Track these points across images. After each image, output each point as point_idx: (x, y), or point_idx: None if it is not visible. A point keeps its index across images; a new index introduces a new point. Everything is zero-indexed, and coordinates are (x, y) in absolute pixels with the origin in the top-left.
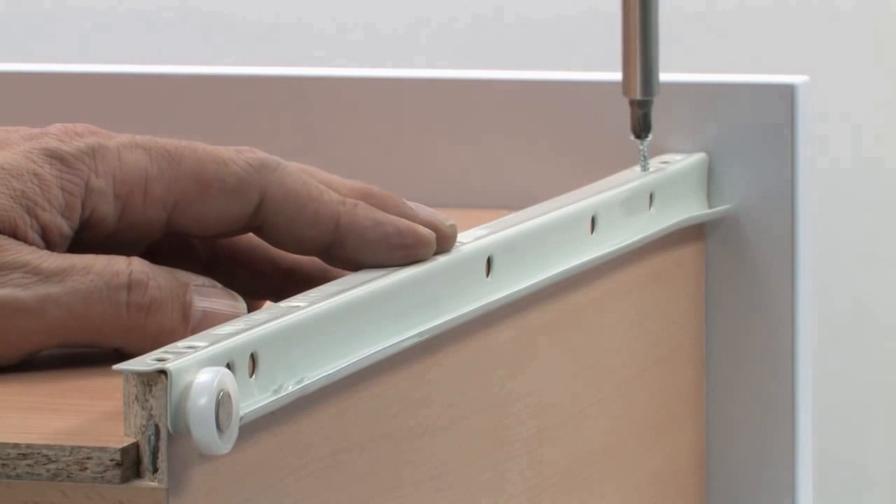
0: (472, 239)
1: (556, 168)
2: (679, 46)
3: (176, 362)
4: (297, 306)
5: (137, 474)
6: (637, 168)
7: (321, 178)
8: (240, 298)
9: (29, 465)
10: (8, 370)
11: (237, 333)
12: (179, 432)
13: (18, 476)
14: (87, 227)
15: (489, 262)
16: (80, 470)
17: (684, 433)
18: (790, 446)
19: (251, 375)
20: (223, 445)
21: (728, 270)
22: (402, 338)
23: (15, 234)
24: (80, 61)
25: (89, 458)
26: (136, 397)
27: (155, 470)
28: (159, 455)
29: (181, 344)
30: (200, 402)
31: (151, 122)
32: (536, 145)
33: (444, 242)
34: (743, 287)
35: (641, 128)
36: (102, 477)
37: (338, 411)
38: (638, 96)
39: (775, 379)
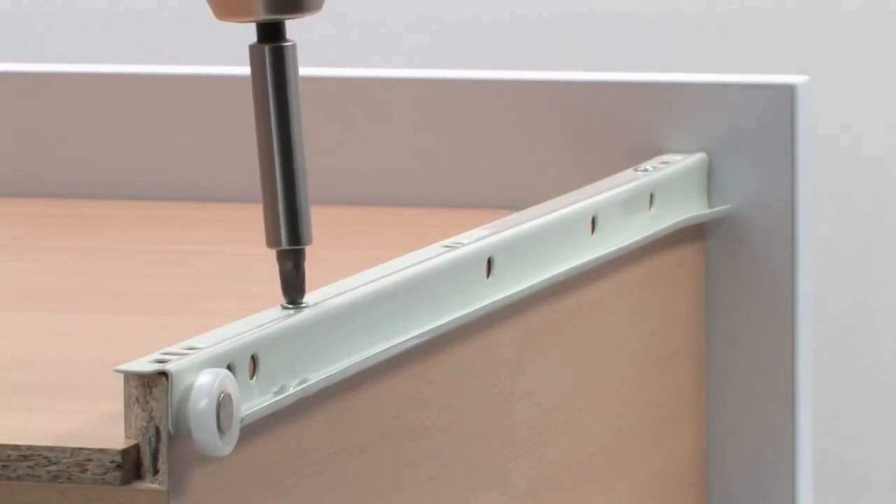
0: (472, 239)
1: (556, 168)
2: (679, 47)
3: (176, 364)
4: (298, 307)
5: (138, 476)
6: (636, 168)
7: None
8: None
9: (29, 467)
10: (8, 371)
11: (238, 334)
12: (180, 434)
13: (19, 477)
14: None
15: (490, 262)
16: (81, 472)
17: (684, 433)
18: (790, 446)
19: (252, 377)
20: (224, 447)
21: (728, 270)
22: (403, 338)
23: None
24: (80, 61)
25: (90, 459)
26: (137, 399)
27: (155, 472)
28: (160, 457)
29: (181, 345)
30: (201, 403)
31: (151, 122)
32: (536, 145)
33: None
34: (743, 287)
35: (293, 288)
36: (103, 479)
37: (338, 412)
38: (284, 245)
39: (775, 379)
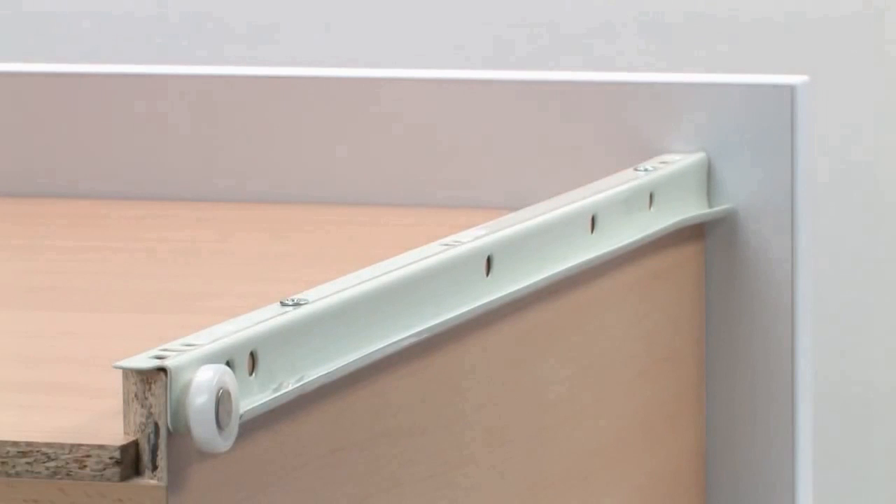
0: (471, 238)
1: (556, 168)
2: (680, 47)
3: (175, 360)
4: (297, 305)
5: (137, 472)
6: (636, 168)
7: None
8: None
9: (28, 464)
10: (7, 368)
11: (237, 331)
12: (179, 430)
13: (18, 474)
14: None
15: (489, 261)
16: (80, 468)
17: (684, 433)
18: (790, 446)
19: (251, 373)
20: (223, 443)
21: (728, 270)
22: (402, 336)
23: None
24: (80, 61)
25: (89, 455)
26: (136, 395)
27: (154, 468)
28: (159, 453)
29: (180, 341)
30: (200, 399)
31: (151, 122)
32: (536, 145)
33: None
34: (743, 287)
35: None
36: (102, 475)
37: (337, 410)
38: None
39: (775, 379)
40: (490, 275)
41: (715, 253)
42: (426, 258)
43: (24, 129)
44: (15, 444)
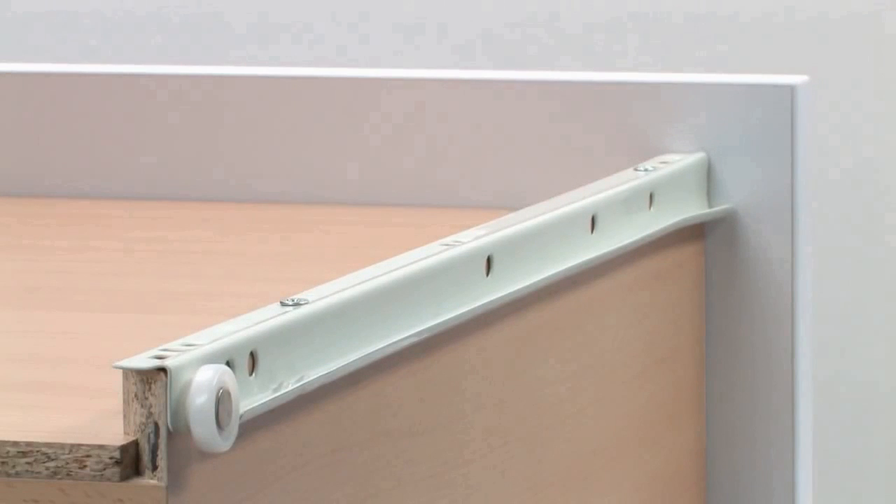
0: (472, 238)
1: (556, 168)
2: (680, 47)
3: (175, 359)
4: (297, 305)
5: (137, 472)
6: (636, 168)
7: None
8: None
9: (28, 464)
10: (8, 368)
11: (237, 331)
12: (179, 430)
13: (18, 474)
14: None
15: (489, 261)
16: (80, 468)
17: (684, 433)
18: (790, 446)
19: (251, 373)
20: (223, 443)
21: (728, 270)
22: (402, 336)
23: None
24: (80, 61)
25: (88, 455)
26: (136, 395)
27: (154, 468)
28: (159, 453)
29: (180, 341)
30: (200, 399)
31: (150, 122)
32: (536, 145)
33: None
34: (743, 287)
35: None
36: (102, 475)
37: (337, 410)
38: None
39: (775, 379)
40: (490, 275)
41: (715, 253)
42: (426, 258)
43: (24, 129)
44: (15, 444)
